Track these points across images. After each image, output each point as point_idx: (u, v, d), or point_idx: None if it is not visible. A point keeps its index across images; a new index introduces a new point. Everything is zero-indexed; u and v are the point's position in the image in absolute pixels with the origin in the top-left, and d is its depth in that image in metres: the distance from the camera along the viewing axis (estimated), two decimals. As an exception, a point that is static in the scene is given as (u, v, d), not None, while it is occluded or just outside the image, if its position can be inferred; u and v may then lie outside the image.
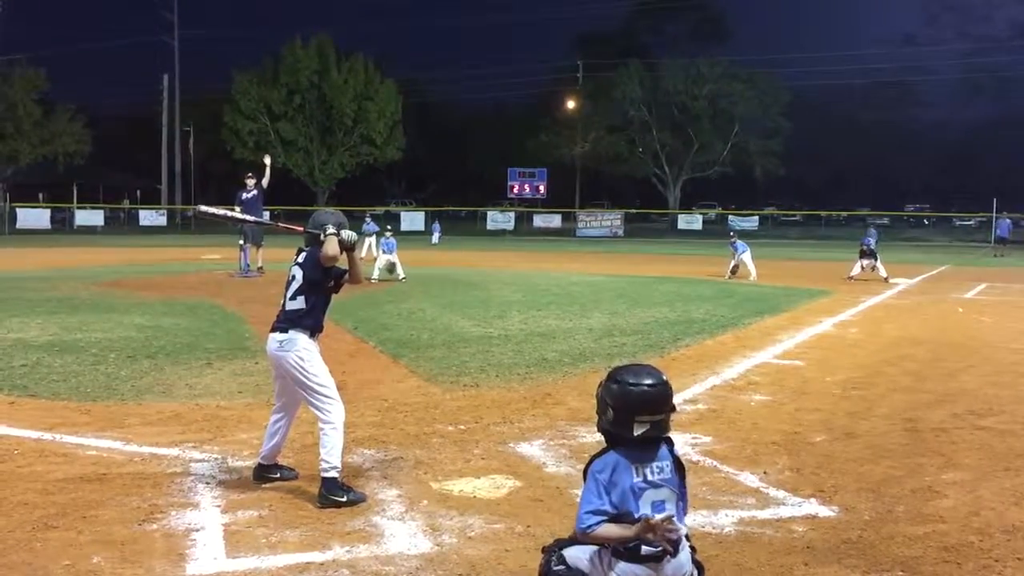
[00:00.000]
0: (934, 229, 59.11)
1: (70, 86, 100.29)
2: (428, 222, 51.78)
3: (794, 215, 65.35)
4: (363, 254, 26.18)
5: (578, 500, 3.35)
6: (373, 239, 27.22)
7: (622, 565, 3.20)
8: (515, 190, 66.16)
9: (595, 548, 3.28)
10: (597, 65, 67.39)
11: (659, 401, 3.28)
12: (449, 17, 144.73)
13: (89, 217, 53.83)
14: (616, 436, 3.31)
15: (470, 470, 5.51)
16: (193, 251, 30.36)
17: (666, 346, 10.52)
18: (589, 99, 67.35)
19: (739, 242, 21.90)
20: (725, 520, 4.70)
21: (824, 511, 4.88)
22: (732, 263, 21.56)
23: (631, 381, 3.28)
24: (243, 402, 7.29)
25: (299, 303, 5.11)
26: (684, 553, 3.26)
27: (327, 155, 60.91)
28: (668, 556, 3.19)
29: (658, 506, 3.21)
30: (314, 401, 5.05)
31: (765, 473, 5.53)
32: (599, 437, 3.54)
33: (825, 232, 55.32)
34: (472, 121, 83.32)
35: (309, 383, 5.02)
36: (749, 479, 5.40)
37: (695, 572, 3.32)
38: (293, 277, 5.16)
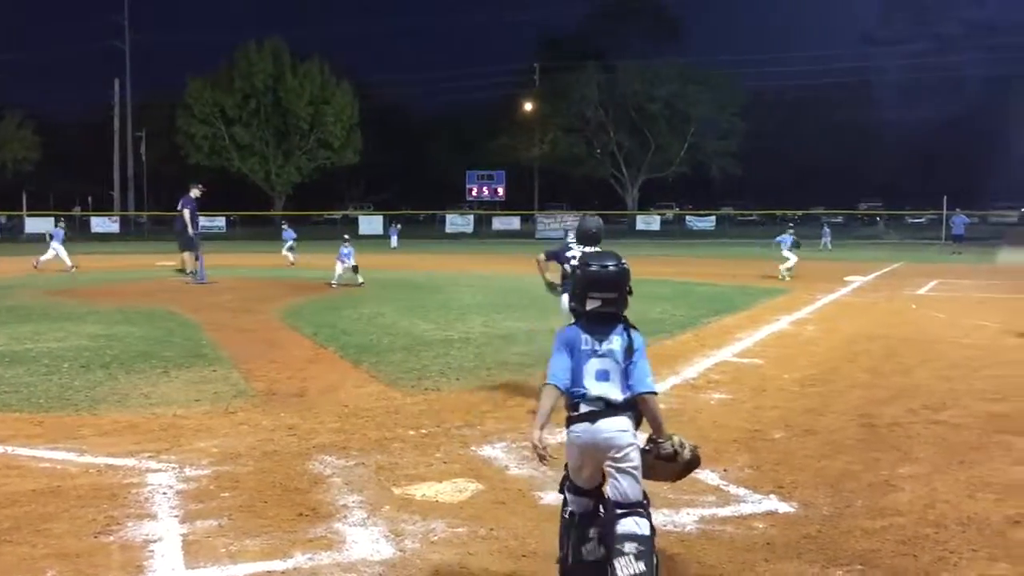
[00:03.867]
0: (887, 226, 60.08)
1: (19, 93, 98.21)
2: (386, 226, 51.55)
3: (750, 215, 66.05)
4: (291, 260, 26.72)
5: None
6: (291, 244, 28.37)
7: (569, 431, 3.69)
8: (474, 192, 66.19)
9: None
10: (554, 67, 67.61)
11: (610, 282, 3.73)
12: (405, 20, 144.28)
13: (39, 224, 52.78)
14: (579, 312, 3.80)
15: (432, 474, 5.49)
16: (147, 258, 29.93)
17: (626, 346, 10.54)
18: (547, 101, 67.52)
19: (786, 236, 22.26)
20: (687, 519, 4.73)
21: (784, 507, 4.93)
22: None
23: (590, 265, 3.79)
24: (201, 410, 7.19)
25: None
26: (620, 417, 3.62)
27: (283, 159, 60.44)
28: (601, 416, 3.61)
29: (600, 374, 3.64)
30: None
31: (725, 471, 5.57)
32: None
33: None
34: (430, 124, 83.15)
35: None
36: (710, 477, 5.43)
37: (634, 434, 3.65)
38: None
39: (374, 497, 5.06)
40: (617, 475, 3.61)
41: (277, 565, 4.10)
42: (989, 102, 68.42)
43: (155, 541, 4.39)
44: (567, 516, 3.73)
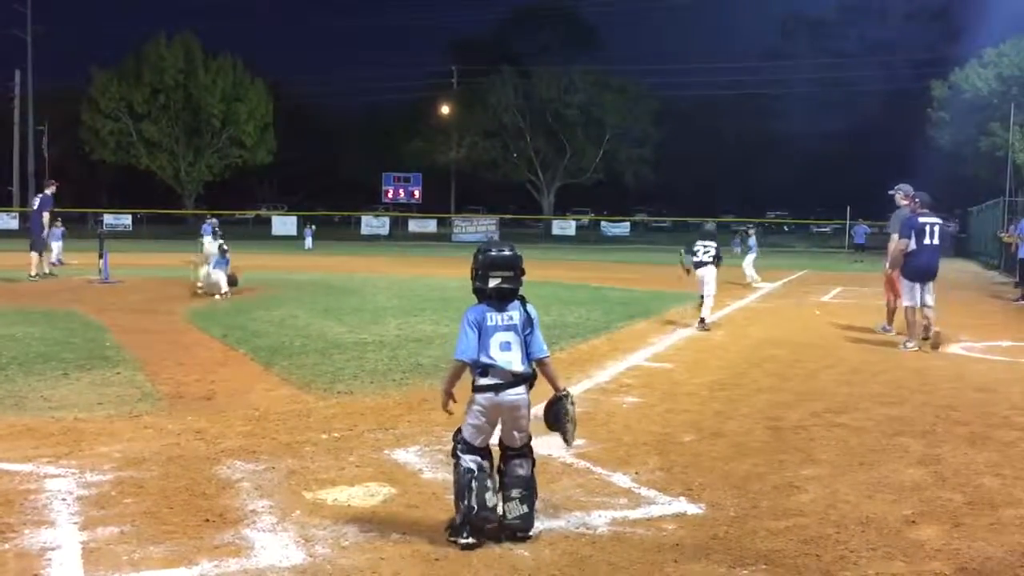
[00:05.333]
0: (793, 235, 61.92)
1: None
2: (300, 227, 50.81)
3: (663, 221, 67.26)
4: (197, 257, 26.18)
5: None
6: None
7: (477, 396, 4.44)
8: (390, 195, 65.85)
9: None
10: (472, 71, 67.75)
11: (506, 262, 4.49)
12: (321, 20, 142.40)
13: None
14: (482, 291, 4.50)
15: (344, 478, 5.42)
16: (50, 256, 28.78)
17: (541, 350, 10.60)
18: (464, 104, 67.58)
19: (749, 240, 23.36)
20: (598, 521, 4.78)
21: (692, 509, 5.02)
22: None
23: (490, 250, 4.54)
24: (103, 414, 6.96)
25: None
26: (521, 386, 4.44)
27: (194, 157, 59.07)
28: (504, 388, 4.40)
29: (504, 345, 4.41)
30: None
31: (637, 473, 5.65)
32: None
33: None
34: (346, 124, 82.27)
35: None
36: (621, 480, 5.50)
37: (528, 403, 4.48)
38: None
39: (284, 502, 4.97)
40: (511, 428, 4.49)
41: (182, 572, 3.99)
42: (892, 116, 70.99)
43: (53, 549, 4.23)
44: (466, 472, 4.40)
